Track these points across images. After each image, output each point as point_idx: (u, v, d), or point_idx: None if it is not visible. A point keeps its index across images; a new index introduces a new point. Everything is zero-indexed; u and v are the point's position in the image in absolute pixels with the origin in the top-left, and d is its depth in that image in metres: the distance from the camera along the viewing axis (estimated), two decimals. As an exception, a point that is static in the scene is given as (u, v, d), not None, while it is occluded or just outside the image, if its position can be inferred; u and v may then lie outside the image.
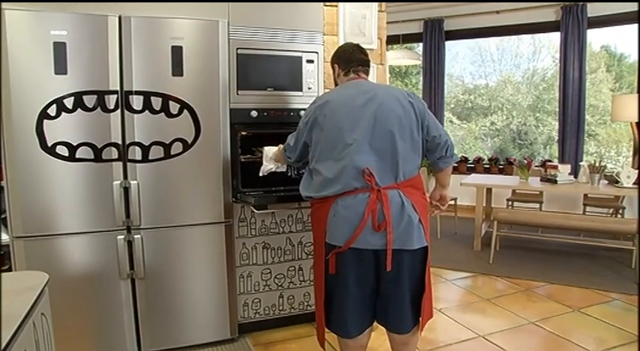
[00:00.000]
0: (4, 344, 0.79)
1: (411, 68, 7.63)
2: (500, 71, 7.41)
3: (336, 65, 2.13)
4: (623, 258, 4.13)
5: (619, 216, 4.95)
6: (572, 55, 5.68)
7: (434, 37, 6.54)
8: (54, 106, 2.19)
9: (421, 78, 6.92)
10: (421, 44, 6.77)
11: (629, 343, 2.72)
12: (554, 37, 6.18)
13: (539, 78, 7.08)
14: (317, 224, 1.98)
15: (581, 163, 4.72)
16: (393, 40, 6.00)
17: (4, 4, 2.10)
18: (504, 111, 7.38)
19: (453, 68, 7.43)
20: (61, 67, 2.18)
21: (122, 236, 2.37)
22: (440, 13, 6.48)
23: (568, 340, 2.76)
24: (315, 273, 2.05)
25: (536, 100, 7.12)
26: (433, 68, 6.62)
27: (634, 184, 4.19)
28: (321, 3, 2.73)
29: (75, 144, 2.24)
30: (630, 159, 5.46)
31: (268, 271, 2.77)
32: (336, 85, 2.18)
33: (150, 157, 2.37)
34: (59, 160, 2.23)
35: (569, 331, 2.87)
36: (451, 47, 6.91)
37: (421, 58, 6.63)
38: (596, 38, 6.36)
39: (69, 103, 2.21)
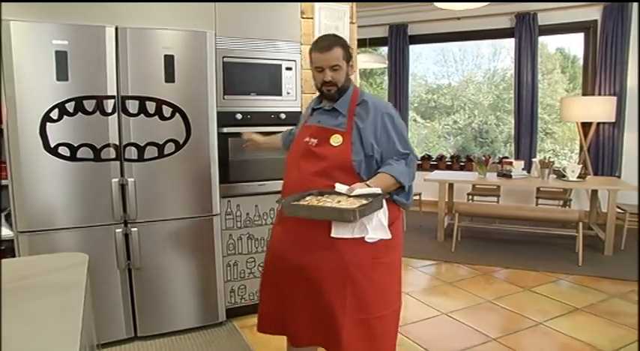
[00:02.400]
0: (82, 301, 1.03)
1: (376, 69, 7.95)
2: (463, 71, 7.65)
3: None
4: (568, 244, 4.58)
5: (567, 207, 5.43)
6: (526, 60, 6.13)
7: (398, 41, 6.90)
8: (56, 110, 2.39)
9: (386, 79, 7.28)
10: (386, 47, 7.12)
11: (568, 312, 3.15)
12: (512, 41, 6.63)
13: (499, 78, 7.37)
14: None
15: (533, 160, 5.15)
16: (360, 44, 6.30)
17: (10, 17, 2.28)
18: (466, 110, 7.65)
19: (416, 68, 7.66)
20: (62, 74, 2.38)
21: (120, 230, 2.58)
22: (404, 18, 6.84)
23: (518, 313, 3.14)
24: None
25: (496, 99, 7.43)
26: (398, 70, 6.97)
27: (578, 177, 4.65)
28: (299, 16, 3.01)
29: (76, 145, 2.44)
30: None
31: (252, 260, 3.03)
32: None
33: (145, 157, 2.59)
34: (61, 160, 2.43)
35: (520, 306, 3.26)
36: (415, 49, 7.27)
37: (387, 61, 6.98)
38: (552, 41, 6.79)
39: (70, 107, 2.41)
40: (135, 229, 2.60)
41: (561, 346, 2.69)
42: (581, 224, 4.16)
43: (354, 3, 3.22)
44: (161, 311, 2.74)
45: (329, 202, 1.66)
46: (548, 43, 6.87)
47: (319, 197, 1.74)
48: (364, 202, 1.62)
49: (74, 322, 0.91)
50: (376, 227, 1.71)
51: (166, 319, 2.76)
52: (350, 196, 1.68)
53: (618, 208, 4.54)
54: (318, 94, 2.00)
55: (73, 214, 2.49)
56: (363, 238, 1.73)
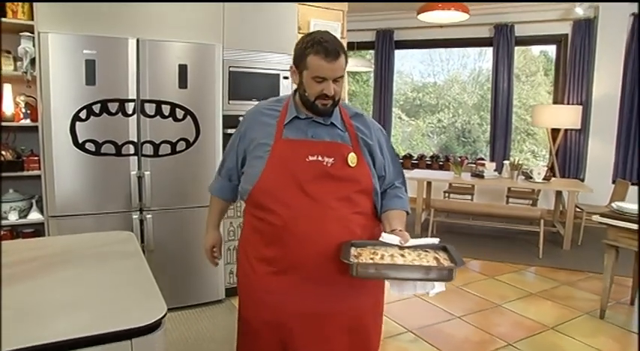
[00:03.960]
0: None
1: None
2: (448, 71, 7.85)
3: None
4: (533, 239, 5.06)
5: (535, 206, 5.92)
6: (503, 68, 6.60)
7: (385, 46, 7.32)
8: (84, 110, 2.75)
9: (372, 80, 7.68)
10: (373, 51, 7.53)
11: (524, 297, 3.62)
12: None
13: (484, 78, 7.54)
14: None
15: (504, 162, 5.62)
16: (348, 47, 6.71)
17: (48, 30, 2.63)
18: (451, 109, 7.86)
19: (403, 66, 7.86)
20: (90, 80, 2.74)
21: (136, 216, 2.96)
22: (391, 24, 7.25)
23: (481, 297, 3.59)
24: None
25: (480, 99, 7.61)
26: (383, 73, 7.39)
27: (544, 179, 5.13)
28: (296, 31, 3.40)
29: (100, 141, 2.81)
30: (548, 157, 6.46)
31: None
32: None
33: (160, 153, 2.97)
34: (87, 154, 2.79)
35: (484, 291, 3.72)
36: (400, 53, 7.62)
37: (373, 66, 7.39)
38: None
39: (96, 108, 2.78)
40: (149, 215, 2.98)
41: (513, 323, 3.15)
42: (542, 221, 4.64)
43: (345, 20, 3.62)
44: (170, 289, 3.12)
45: (393, 256, 1.44)
46: (533, 46, 7.14)
47: (374, 250, 1.48)
48: (441, 255, 1.45)
49: (148, 276, 1.30)
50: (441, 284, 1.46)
51: (174, 295, 3.14)
52: (402, 248, 1.48)
53: (577, 207, 5.03)
54: (268, 99, 1.71)
55: (96, 201, 2.86)
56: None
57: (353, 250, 1.47)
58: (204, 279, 3.23)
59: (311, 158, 1.53)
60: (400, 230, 1.55)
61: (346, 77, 2.76)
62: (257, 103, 1.74)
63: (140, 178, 2.94)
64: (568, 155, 6.25)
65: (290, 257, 1.51)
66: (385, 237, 1.51)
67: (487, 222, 5.35)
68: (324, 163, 1.53)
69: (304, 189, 1.51)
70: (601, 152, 6.00)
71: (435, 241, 1.51)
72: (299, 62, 1.51)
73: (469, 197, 6.24)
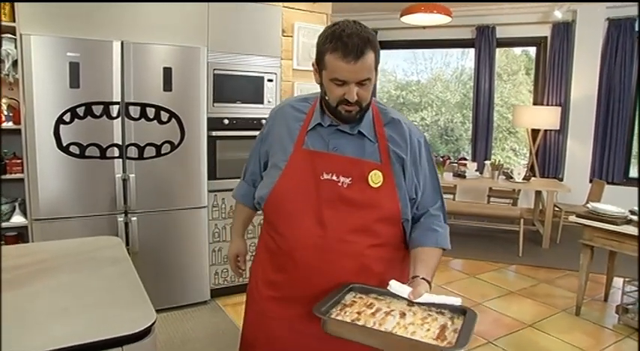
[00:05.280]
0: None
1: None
2: (432, 69, 7.90)
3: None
4: (513, 238, 5.16)
5: (515, 205, 6.05)
6: (484, 69, 6.69)
7: (369, 47, 7.36)
8: (68, 113, 2.74)
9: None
10: (358, 52, 7.56)
11: (503, 295, 3.71)
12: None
13: (466, 77, 7.58)
14: None
15: (485, 162, 5.73)
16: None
17: (31, 32, 2.62)
18: (434, 107, 7.90)
19: (386, 64, 7.88)
20: (74, 82, 2.74)
21: (121, 218, 2.96)
22: (375, 25, 7.30)
23: (462, 295, 3.63)
24: None
25: (463, 97, 7.66)
26: (368, 74, 7.43)
27: (523, 179, 5.24)
28: (280, 34, 3.43)
29: (85, 144, 2.81)
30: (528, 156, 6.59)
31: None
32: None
33: (144, 156, 2.97)
34: (71, 157, 2.79)
35: (464, 290, 3.80)
36: (384, 52, 7.69)
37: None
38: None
39: (81, 111, 2.77)
40: (134, 218, 2.99)
41: (492, 321, 3.24)
42: (522, 220, 4.75)
43: (329, 23, 3.65)
44: (155, 290, 3.11)
45: (391, 314, 1.20)
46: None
47: (372, 301, 1.27)
48: (456, 321, 1.19)
49: (136, 282, 1.33)
50: None
51: (159, 297, 3.14)
52: (411, 303, 1.24)
53: (556, 206, 5.16)
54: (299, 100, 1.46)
55: (81, 204, 2.85)
56: None
57: (349, 297, 1.28)
58: (189, 280, 3.25)
59: (325, 176, 1.32)
60: (415, 278, 1.27)
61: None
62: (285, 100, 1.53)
63: (125, 181, 2.94)
64: (547, 155, 6.38)
65: (293, 287, 1.33)
66: (393, 286, 1.26)
67: (468, 221, 5.45)
68: (339, 184, 1.31)
69: (316, 213, 1.31)
70: (579, 152, 6.15)
71: (457, 301, 1.23)
72: (319, 60, 1.27)
73: (451, 196, 6.33)
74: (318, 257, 1.31)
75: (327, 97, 1.30)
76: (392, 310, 1.21)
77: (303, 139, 1.37)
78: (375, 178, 1.31)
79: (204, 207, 3.22)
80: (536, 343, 2.93)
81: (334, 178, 1.32)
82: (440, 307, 1.23)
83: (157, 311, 3.16)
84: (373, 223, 1.32)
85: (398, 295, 1.25)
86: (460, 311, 1.22)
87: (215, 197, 3.32)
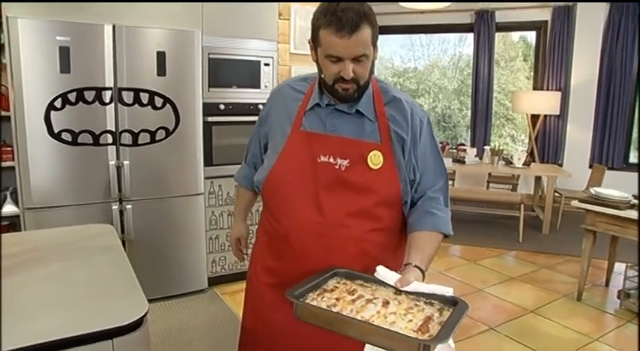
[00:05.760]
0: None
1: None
2: (429, 56, 7.86)
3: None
4: (512, 224, 5.13)
5: (515, 191, 6.01)
6: (484, 54, 6.61)
7: (367, 32, 7.25)
8: (60, 99, 2.67)
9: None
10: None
11: (504, 281, 3.68)
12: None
13: (464, 63, 7.55)
14: None
15: (485, 148, 5.67)
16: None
17: (18, 14, 2.54)
18: (431, 94, 7.87)
19: (383, 51, 7.77)
20: (65, 67, 2.66)
21: (116, 206, 2.90)
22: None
23: (463, 282, 3.64)
24: None
25: (460, 84, 7.63)
26: (366, 60, 7.34)
27: (523, 164, 5.19)
28: (276, 17, 3.34)
29: (77, 131, 2.74)
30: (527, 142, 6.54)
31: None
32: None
33: (139, 142, 2.91)
34: (63, 145, 2.72)
35: (464, 276, 3.77)
36: (380, 37, 7.59)
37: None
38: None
39: (72, 97, 2.70)
40: (129, 206, 2.93)
41: (493, 307, 3.21)
42: (522, 206, 4.71)
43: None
44: (151, 279, 3.09)
45: (371, 302, 1.12)
46: (513, 32, 7.12)
47: (356, 287, 1.19)
48: (444, 314, 1.09)
49: (129, 271, 1.28)
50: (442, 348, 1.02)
51: (156, 286, 3.11)
52: (398, 292, 1.15)
53: (556, 192, 5.11)
54: (303, 81, 1.40)
55: (74, 192, 2.79)
56: None
57: (332, 282, 1.20)
58: (186, 269, 3.20)
59: (323, 159, 1.27)
60: (407, 266, 1.19)
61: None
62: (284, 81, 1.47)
63: (119, 168, 2.88)
64: (547, 140, 6.33)
65: (290, 274, 1.26)
66: (380, 272, 1.19)
67: (468, 207, 5.40)
68: (337, 167, 1.26)
69: (313, 197, 1.26)
70: (579, 137, 6.09)
71: (448, 291, 1.14)
72: (314, 36, 1.22)
73: (450, 183, 6.28)
74: (315, 243, 1.27)
75: (323, 75, 1.25)
76: (375, 298, 1.13)
77: (301, 120, 1.32)
78: (375, 159, 1.25)
79: (201, 194, 3.16)
80: (537, 329, 2.90)
81: (331, 160, 1.26)
82: (429, 297, 1.14)
83: (154, 300, 3.14)
84: (373, 206, 1.27)
85: (385, 283, 1.17)
86: (451, 302, 1.13)
87: (212, 184, 3.26)
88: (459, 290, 3.47)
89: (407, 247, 1.27)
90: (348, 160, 1.25)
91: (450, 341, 0.98)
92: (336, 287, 1.18)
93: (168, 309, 3.04)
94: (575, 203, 3.13)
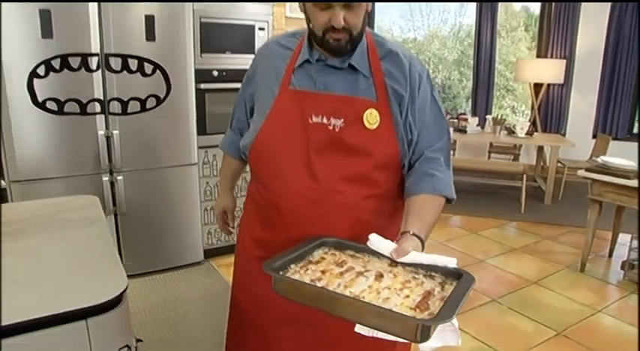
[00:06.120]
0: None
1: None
2: (429, 26, 7.75)
3: None
4: (514, 194, 5.04)
5: (517, 161, 5.91)
6: (486, 22, 6.39)
7: None
8: (42, 66, 2.53)
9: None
10: (354, 4, 7.22)
11: (506, 252, 3.62)
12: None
13: (464, 34, 7.45)
14: None
15: (487, 117, 5.54)
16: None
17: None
18: (431, 65, 7.74)
19: (382, 21, 7.64)
20: (47, 32, 2.51)
21: (106, 178, 2.81)
22: (372, -26, 6.94)
23: (464, 253, 3.58)
24: None
25: (460, 55, 7.58)
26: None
27: (526, 134, 5.07)
28: (271, -23, 3.17)
29: (63, 100, 2.61)
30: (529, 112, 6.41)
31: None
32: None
33: (128, 111, 2.78)
34: (49, 114, 2.59)
35: (466, 246, 3.71)
36: (380, 4, 7.35)
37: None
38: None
39: (56, 64, 2.56)
40: (120, 177, 2.83)
41: (495, 278, 3.15)
42: (524, 176, 4.62)
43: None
44: (145, 252, 3.02)
45: (363, 274, 1.00)
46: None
47: (346, 258, 1.07)
48: (447, 288, 0.97)
49: (109, 245, 1.19)
50: (444, 328, 0.89)
51: (150, 259, 3.05)
52: (394, 263, 1.04)
53: (559, 162, 5.01)
54: (293, 36, 1.27)
55: (63, 164, 2.69)
56: None
57: (319, 253, 1.08)
58: (181, 241, 3.13)
59: (315, 119, 1.15)
60: (404, 234, 1.06)
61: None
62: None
63: (108, 138, 2.76)
64: (550, 110, 6.19)
65: (281, 245, 1.12)
66: (373, 241, 1.06)
67: (469, 177, 5.30)
68: (331, 128, 1.14)
69: (305, 162, 1.15)
70: (582, 107, 5.96)
71: (452, 262, 1.02)
72: None
73: (452, 152, 6.18)
74: (308, 210, 1.16)
75: (311, 26, 1.13)
76: (367, 271, 1.01)
77: (290, 78, 1.19)
78: (371, 118, 1.14)
79: (195, 164, 3.05)
80: (540, 300, 2.85)
81: (324, 120, 1.15)
82: (429, 269, 1.01)
83: (149, 274, 3.07)
84: (370, 170, 1.16)
85: (379, 253, 1.05)
86: (455, 275, 1.00)
87: (205, 153, 3.15)
88: (460, 261, 3.39)
89: (404, 213, 1.15)
90: (342, 120, 1.14)
91: (454, 320, 0.85)
92: (323, 258, 1.07)
93: (163, 282, 2.98)
94: (581, 173, 3.03)
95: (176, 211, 3.06)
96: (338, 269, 1.01)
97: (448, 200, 1.20)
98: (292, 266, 1.02)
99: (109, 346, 0.93)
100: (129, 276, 3.02)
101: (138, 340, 1.29)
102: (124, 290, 0.95)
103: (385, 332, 0.85)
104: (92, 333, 0.88)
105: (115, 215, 2.89)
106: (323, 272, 1.00)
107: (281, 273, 0.98)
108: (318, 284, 0.95)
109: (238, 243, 1.43)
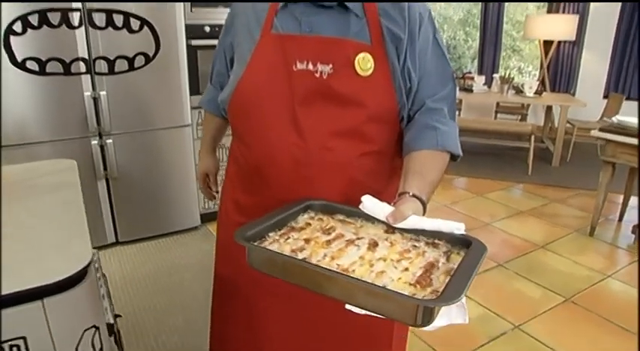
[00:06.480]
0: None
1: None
2: None
3: None
4: (521, 155, 4.90)
5: (525, 121, 5.73)
6: (495, -24, 6.09)
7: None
8: (19, 22, 2.35)
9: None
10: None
11: (512, 215, 3.52)
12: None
13: None
14: None
15: (494, 75, 5.33)
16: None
17: None
18: (436, 24, 7.70)
19: None
20: (20, -17, 2.33)
21: (95, 141, 2.68)
22: None
23: (469, 216, 3.48)
24: None
25: (466, 14, 7.35)
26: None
27: (535, 93, 4.87)
28: None
29: (44, 59, 2.44)
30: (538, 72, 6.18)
31: (222, 167, 3.20)
32: None
33: (115, 70, 2.62)
34: (30, 75, 2.43)
35: (471, 209, 3.60)
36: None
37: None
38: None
39: (34, 20, 2.38)
40: (110, 140, 2.70)
41: (502, 241, 3.06)
42: (532, 137, 4.45)
43: None
44: (140, 218, 2.93)
45: (353, 243, 0.85)
46: None
47: (335, 224, 0.93)
48: (453, 258, 0.82)
49: (78, 213, 1.07)
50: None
51: (146, 224, 2.95)
52: (391, 229, 0.89)
53: (568, 123, 4.84)
54: None
55: (48, 127, 2.55)
56: None
57: (304, 218, 0.94)
58: (176, 206, 3.03)
59: (299, 66, 1.00)
60: (402, 196, 0.91)
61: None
62: None
63: (95, 100, 2.62)
64: (559, 69, 5.96)
65: (263, 210, 0.97)
66: (367, 205, 0.91)
67: (475, 138, 5.13)
68: (317, 75, 0.99)
69: (290, 115, 1.01)
70: (594, 65, 5.71)
71: (459, 227, 0.86)
72: None
73: (457, 112, 6.00)
74: (293, 172, 1.03)
75: None
76: (359, 238, 0.86)
77: (272, 21, 1.04)
78: (364, 63, 0.98)
79: (188, 125, 2.91)
80: (548, 265, 2.76)
81: (309, 67, 0.99)
82: (433, 236, 0.86)
83: (143, 240, 2.97)
84: (364, 123, 1.01)
85: (374, 218, 0.90)
86: (462, 243, 0.85)
87: (199, 114, 3.00)
88: (465, 225, 3.29)
89: (403, 172, 1.01)
90: (330, 66, 0.98)
91: (463, 299, 0.69)
92: (309, 224, 0.92)
93: (160, 248, 2.90)
94: (595, 133, 2.87)
95: (170, 174, 2.95)
96: (324, 237, 0.87)
97: (453, 157, 1.06)
98: (271, 234, 0.88)
99: (72, 328, 0.82)
100: (121, 243, 2.91)
101: (116, 316, 1.19)
102: (88, 264, 0.83)
103: (379, 314, 0.71)
104: (50, 315, 0.78)
105: (107, 180, 2.78)
106: (307, 241, 0.86)
107: (257, 242, 0.85)
108: (299, 255, 0.81)
109: (220, 209, 1.32)
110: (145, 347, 2.03)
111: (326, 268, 0.75)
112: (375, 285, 0.71)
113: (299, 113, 1.01)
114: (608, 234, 3.20)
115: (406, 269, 0.78)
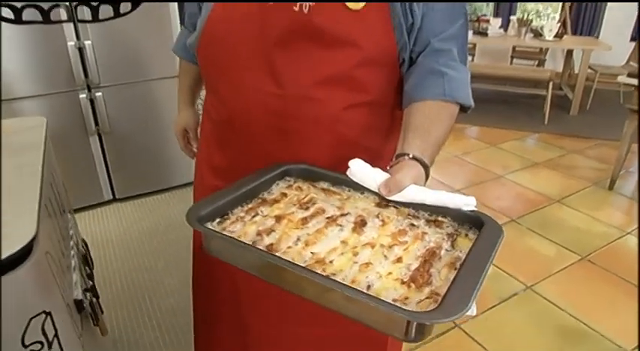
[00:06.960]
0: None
1: None
2: None
3: None
4: (537, 103, 4.65)
5: (543, 67, 5.43)
6: None
7: None
8: (-10, -38, 2.16)
9: None
10: None
11: (527, 167, 3.36)
12: None
13: None
14: None
15: (511, 17, 4.99)
16: None
17: None
18: None
19: None
20: None
21: (84, 95, 2.52)
22: None
23: (482, 167, 3.32)
24: None
25: None
26: None
27: (555, 36, 4.56)
28: None
29: (19, 6, 2.24)
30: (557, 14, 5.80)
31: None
32: None
33: (100, 17, 2.42)
34: (5, 24, 2.25)
35: (483, 160, 3.44)
36: None
37: None
38: None
39: (6, -40, 2.18)
40: (99, 93, 2.55)
41: (516, 195, 2.91)
42: (551, 84, 4.20)
43: None
44: (137, 173, 2.82)
45: (336, 221, 0.70)
46: None
47: (317, 193, 0.78)
48: (460, 242, 0.66)
49: (32, 180, 0.94)
50: None
51: (143, 180, 2.85)
52: (384, 202, 0.74)
53: (590, 68, 4.55)
54: None
55: (32, 81, 2.39)
56: None
57: (279, 187, 0.78)
58: (173, 160, 2.90)
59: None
60: (400, 158, 0.75)
61: None
62: None
63: (81, 50, 2.44)
64: (583, 10, 5.57)
65: (240, 173, 0.82)
66: (355, 171, 0.75)
67: (488, 84, 4.87)
68: (296, 8, 0.79)
69: (266, 58, 0.83)
70: (622, 6, 5.31)
71: (468, 202, 0.68)
72: None
73: (470, 58, 5.70)
74: (271, 127, 0.86)
75: None
76: (343, 215, 0.70)
77: None
78: None
79: (181, 77, 2.74)
80: (563, 221, 2.62)
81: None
82: (436, 213, 0.69)
83: (139, 196, 2.86)
84: (355, 68, 0.83)
85: (364, 187, 0.74)
86: (473, 221, 0.67)
87: (194, 66, 2.82)
88: (477, 177, 3.16)
89: (402, 128, 0.84)
90: None
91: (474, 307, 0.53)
92: (284, 195, 0.76)
93: (156, 204, 2.80)
94: (622, 79, 2.65)
95: (165, 127, 2.80)
96: (301, 213, 0.70)
97: (463, 108, 0.87)
98: (236, 210, 0.72)
99: (15, 315, 0.71)
100: (119, 199, 2.80)
101: (93, 296, 1.08)
102: (32, 240, 0.71)
103: (363, 324, 0.56)
104: (-16, 303, 0.66)
105: (99, 136, 2.65)
106: (278, 219, 0.69)
107: (217, 221, 0.69)
108: (266, 239, 0.65)
109: (195, 172, 1.19)
110: (140, 310, 1.96)
111: (290, 262, 0.58)
112: (354, 289, 0.54)
113: (276, 57, 0.83)
114: (628, 188, 3.03)
115: (399, 260, 0.62)
